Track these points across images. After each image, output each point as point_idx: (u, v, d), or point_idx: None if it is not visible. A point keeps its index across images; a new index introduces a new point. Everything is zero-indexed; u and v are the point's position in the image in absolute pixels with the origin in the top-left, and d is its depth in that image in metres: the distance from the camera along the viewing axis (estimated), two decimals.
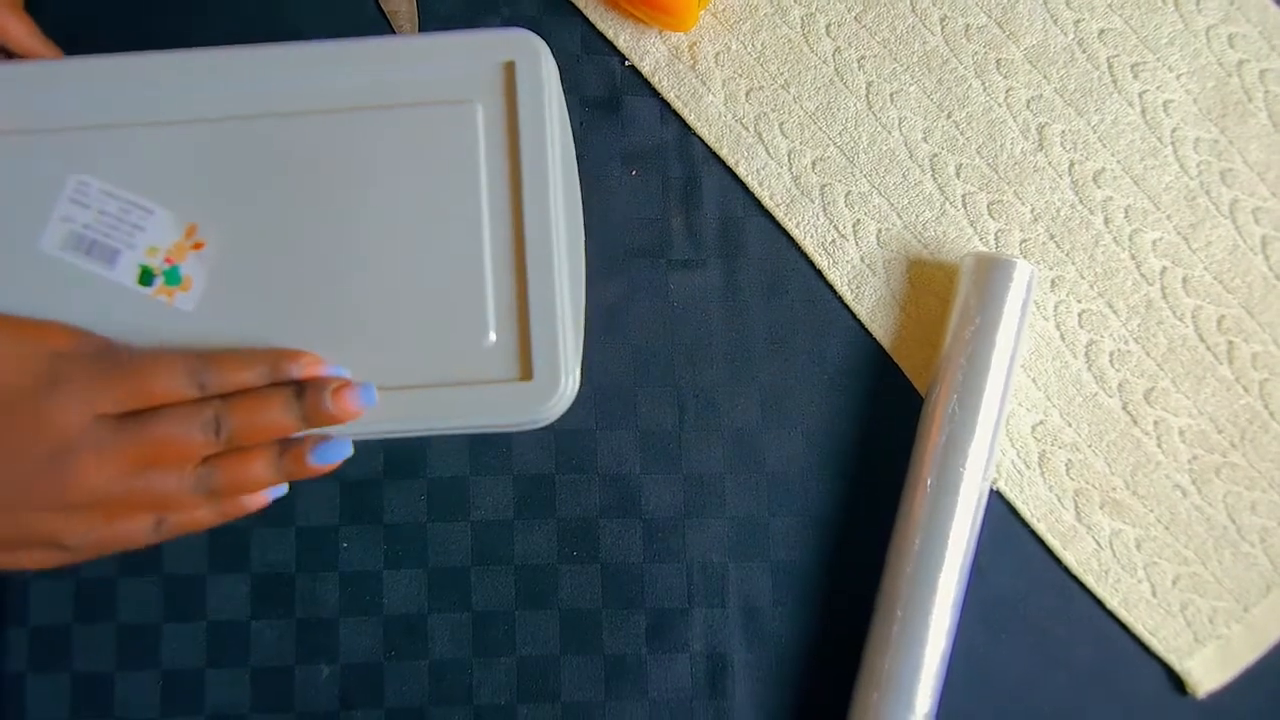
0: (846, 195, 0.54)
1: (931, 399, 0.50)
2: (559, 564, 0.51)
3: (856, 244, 0.53)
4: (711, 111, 0.54)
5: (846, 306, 0.53)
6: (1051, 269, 0.53)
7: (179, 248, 0.42)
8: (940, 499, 0.48)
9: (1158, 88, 0.54)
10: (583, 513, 0.52)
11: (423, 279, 0.42)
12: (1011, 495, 0.51)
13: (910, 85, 0.54)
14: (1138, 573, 0.51)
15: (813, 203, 0.54)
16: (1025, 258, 0.53)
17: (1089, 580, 0.51)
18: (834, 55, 0.55)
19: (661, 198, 0.54)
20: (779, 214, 0.54)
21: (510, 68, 0.44)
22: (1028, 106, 0.54)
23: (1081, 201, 0.53)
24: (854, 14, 0.55)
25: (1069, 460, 0.52)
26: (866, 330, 0.53)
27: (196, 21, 0.55)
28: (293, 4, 0.55)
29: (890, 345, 0.53)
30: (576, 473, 0.52)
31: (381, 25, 0.55)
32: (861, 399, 0.53)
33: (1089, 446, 0.52)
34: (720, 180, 0.54)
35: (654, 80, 0.54)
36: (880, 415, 0.52)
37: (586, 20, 0.55)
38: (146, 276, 0.42)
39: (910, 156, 0.54)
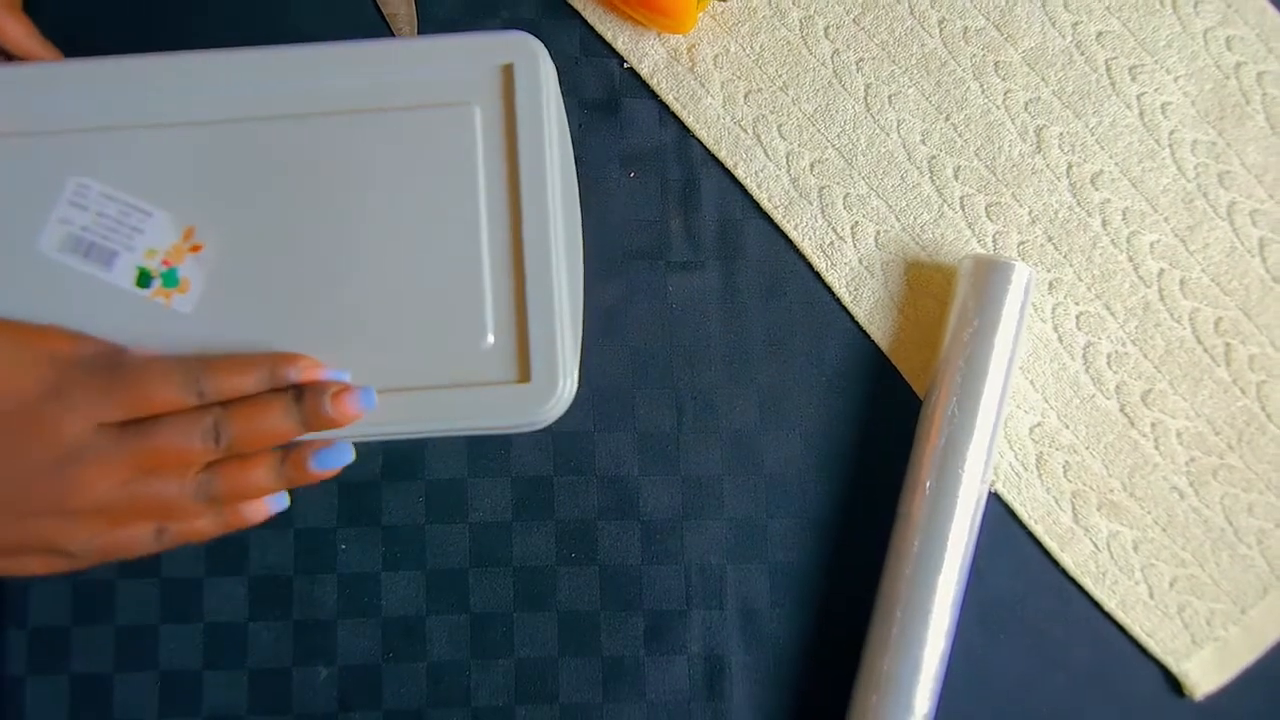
0: (845, 197, 0.54)
1: (930, 401, 0.50)
2: (557, 566, 0.51)
3: (855, 246, 0.53)
4: (710, 114, 0.54)
5: (845, 308, 0.53)
6: (1049, 271, 0.53)
7: (177, 250, 0.42)
8: (939, 501, 0.48)
9: (1156, 90, 0.54)
10: (581, 514, 0.52)
11: (421, 281, 0.42)
12: (1009, 497, 0.51)
13: (908, 87, 0.55)
14: (1135, 574, 0.51)
15: (811, 205, 0.54)
16: (1023, 260, 0.53)
17: (1086, 582, 0.51)
18: (832, 58, 0.55)
19: (660, 200, 0.54)
20: (777, 216, 0.54)
21: (509, 70, 0.44)
22: (1026, 109, 0.54)
23: (1079, 204, 0.54)
24: (852, 16, 0.55)
25: (1067, 462, 0.52)
26: (865, 332, 0.53)
27: (196, 23, 0.55)
28: (292, 6, 0.55)
29: (888, 347, 0.53)
30: (575, 474, 0.52)
31: (380, 28, 0.55)
32: (860, 401, 0.53)
33: (1087, 448, 0.52)
34: (719, 182, 0.54)
35: (652, 82, 0.55)
36: (878, 417, 0.52)
37: (585, 22, 0.55)
38: (144, 279, 0.42)
39: (908, 159, 0.54)
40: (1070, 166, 0.54)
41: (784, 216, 0.54)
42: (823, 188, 0.54)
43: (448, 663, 0.50)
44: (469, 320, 0.42)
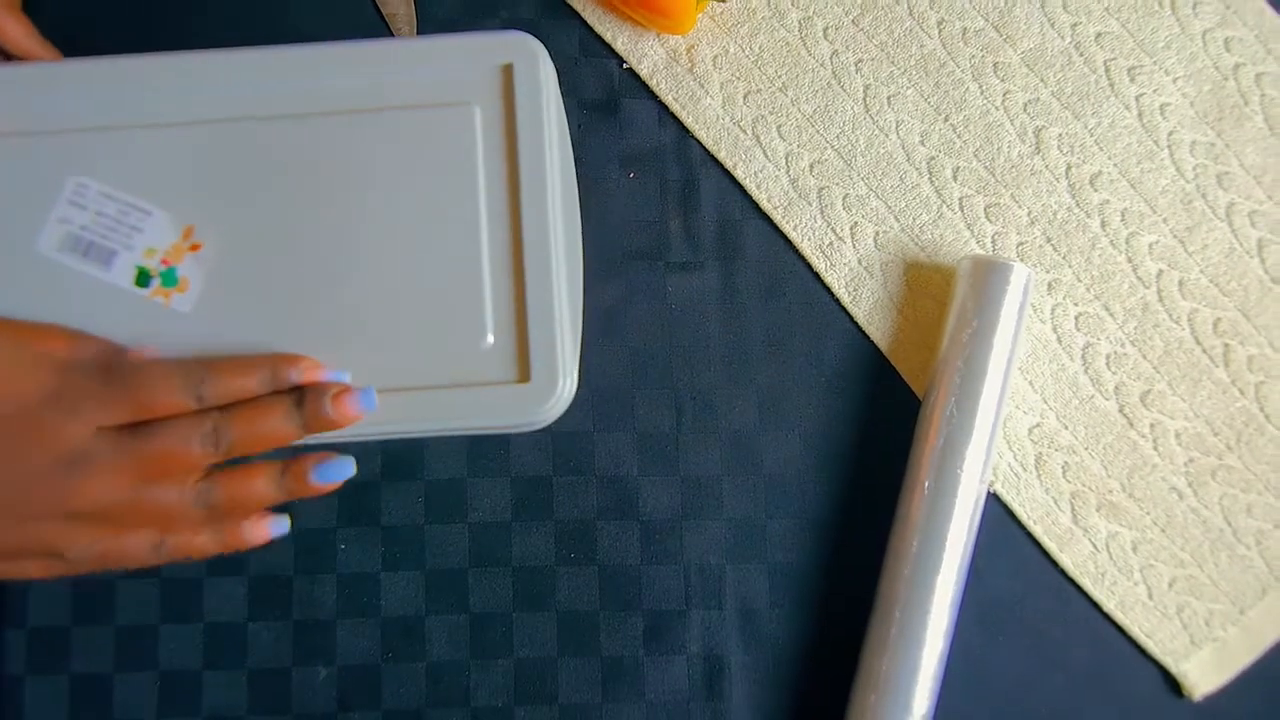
0: (844, 198, 0.54)
1: (929, 402, 0.50)
2: (556, 566, 0.51)
3: (854, 247, 0.54)
4: (709, 114, 0.54)
5: (844, 309, 0.53)
6: (1048, 272, 0.53)
7: (176, 249, 0.42)
8: (938, 501, 0.48)
9: (1154, 91, 0.54)
10: (580, 514, 0.52)
11: (420, 281, 0.42)
12: (1008, 497, 0.51)
13: (907, 88, 0.55)
14: (1134, 575, 0.51)
15: (810, 205, 0.54)
16: (1022, 261, 0.53)
17: (1085, 582, 0.51)
18: (831, 58, 0.55)
19: (659, 200, 0.54)
20: (777, 217, 0.54)
21: (508, 70, 0.44)
22: (1025, 110, 0.54)
23: (1078, 204, 0.54)
24: (851, 17, 0.55)
25: (1066, 463, 0.52)
26: (864, 333, 0.53)
27: (196, 23, 0.55)
28: (291, 6, 0.55)
29: (887, 348, 0.53)
30: (574, 474, 0.52)
31: (380, 28, 0.55)
32: (859, 401, 0.53)
33: (1085, 449, 0.52)
34: (718, 183, 0.54)
35: (652, 83, 0.55)
36: (878, 418, 0.52)
37: (584, 23, 0.55)
38: (143, 278, 0.42)
39: (907, 159, 0.54)
40: (1069, 167, 0.54)
41: (783, 217, 0.54)
42: (822, 188, 0.54)
43: (447, 663, 0.50)
44: (469, 320, 0.42)
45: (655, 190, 0.54)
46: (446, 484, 0.52)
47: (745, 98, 0.54)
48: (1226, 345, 0.53)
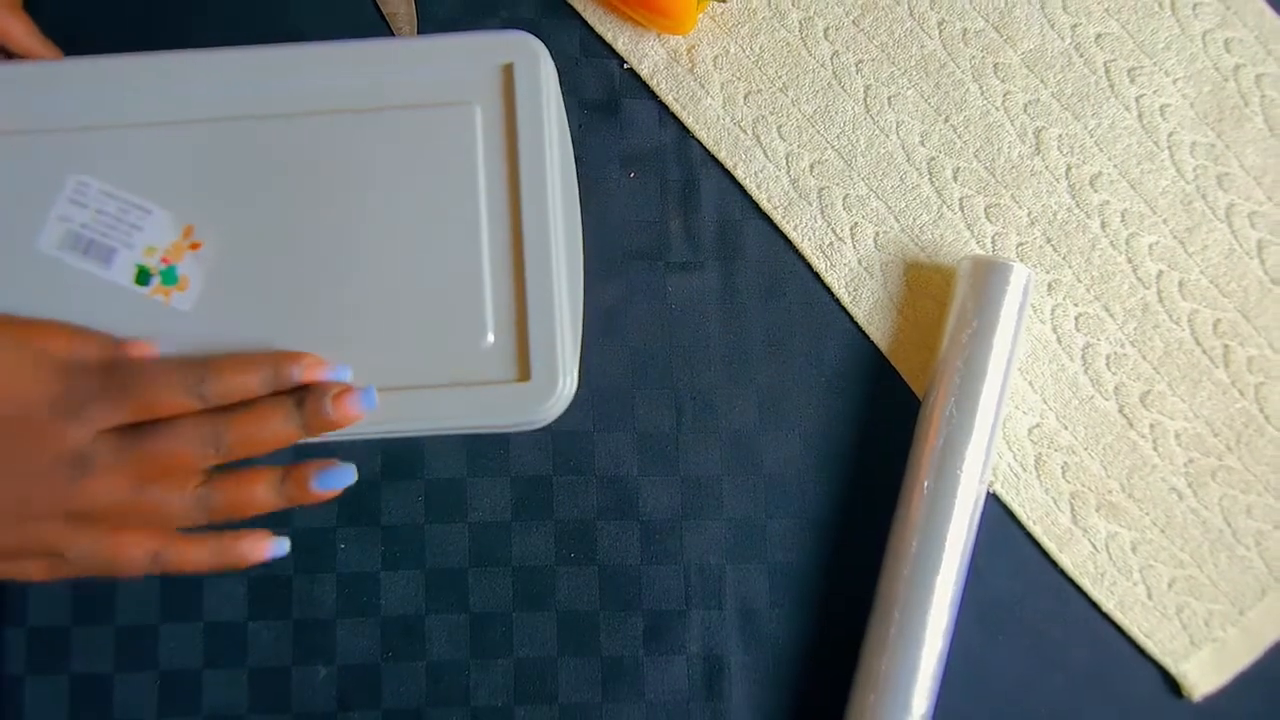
0: (844, 198, 0.54)
1: (929, 402, 0.50)
2: (556, 565, 0.51)
3: (854, 247, 0.54)
4: (710, 114, 0.54)
5: (844, 309, 0.53)
6: (1048, 272, 0.53)
7: (176, 248, 0.42)
8: (937, 501, 0.48)
9: (1154, 92, 0.54)
10: (580, 514, 0.52)
11: (421, 280, 0.42)
12: (1008, 498, 0.51)
13: (908, 89, 0.55)
14: (1133, 575, 0.51)
15: (810, 206, 0.54)
16: (1022, 261, 0.53)
17: (1085, 583, 0.51)
18: (832, 59, 0.55)
19: (660, 200, 0.54)
20: (777, 217, 0.54)
21: (509, 70, 0.44)
22: (1025, 110, 0.54)
23: (1078, 205, 0.54)
24: (852, 18, 0.55)
25: (1065, 463, 0.52)
26: (864, 333, 0.53)
27: (196, 23, 0.55)
28: (292, 5, 0.55)
29: (887, 348, 0.53)
30: (574, 474, 0.52)
31: (380, 27, 0.55)
32: (859, 401, 0.53)
33: (1085, 449, 0.52)
34: (718, 183, 0.54)
35: (652, 83, 0.55)
36: (877, 418, 0.52)
37: (585, 23, 0.55)
38: (143, 276, 0.42)
39: (908, 160, 0.54)
40: (1069, 168, 0.54)
41: (783, 217, 0.54)
42: (822, 189, 0.54)
43: (447, 662, 0.50)
44: (469, 319, 0.42)
45: (655, 190, 0.54)
46: (446, 483, 0.52)
47: (746, 98, 0.54)
48: (1226, 346, 0.53)
